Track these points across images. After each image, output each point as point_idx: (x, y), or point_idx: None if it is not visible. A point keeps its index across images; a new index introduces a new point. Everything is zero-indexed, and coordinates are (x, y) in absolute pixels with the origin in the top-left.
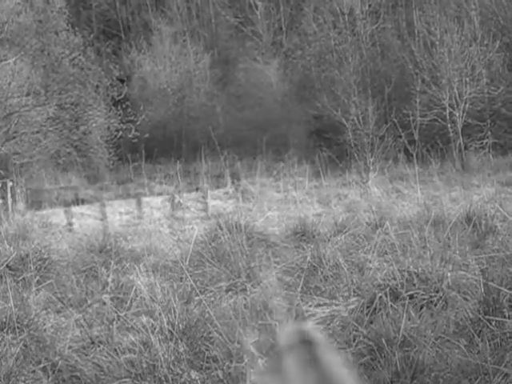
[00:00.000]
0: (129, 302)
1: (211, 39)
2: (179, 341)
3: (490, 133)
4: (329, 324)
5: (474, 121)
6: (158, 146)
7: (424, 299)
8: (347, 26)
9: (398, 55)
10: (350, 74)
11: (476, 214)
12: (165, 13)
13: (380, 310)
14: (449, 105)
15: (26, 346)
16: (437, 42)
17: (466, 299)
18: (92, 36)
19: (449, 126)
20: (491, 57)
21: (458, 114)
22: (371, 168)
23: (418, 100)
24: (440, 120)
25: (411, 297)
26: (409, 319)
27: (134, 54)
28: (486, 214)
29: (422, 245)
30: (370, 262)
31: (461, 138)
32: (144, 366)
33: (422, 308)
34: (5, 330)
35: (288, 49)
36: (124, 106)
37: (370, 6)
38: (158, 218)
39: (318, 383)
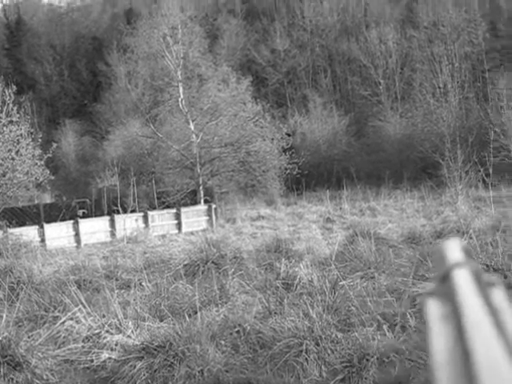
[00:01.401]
0: (295, 286)
1: (349, 106)
2: (329, 312)
3: None
4: None
5: None
6: (314, 179)
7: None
8: (442, 95)
9: (477, 115)
10: (444, 129)
11: None
12: (317, 88)
13: None
14: None
15: (225, 316)
16: (504, 106)
17: None
18: (268, 105)
19: None
20: None
21: None
22: (459, 193)
23: (491, 146)
24: (507, 159)
25: None
26: None
27: (297, 117)
28: None
29: (495, 245)
30: None
31: None
32: (305, 329)
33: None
34: (211, 305)
35: (402, 112)
36: (290, 152)
37: (457, 82)
38: (313, 228)
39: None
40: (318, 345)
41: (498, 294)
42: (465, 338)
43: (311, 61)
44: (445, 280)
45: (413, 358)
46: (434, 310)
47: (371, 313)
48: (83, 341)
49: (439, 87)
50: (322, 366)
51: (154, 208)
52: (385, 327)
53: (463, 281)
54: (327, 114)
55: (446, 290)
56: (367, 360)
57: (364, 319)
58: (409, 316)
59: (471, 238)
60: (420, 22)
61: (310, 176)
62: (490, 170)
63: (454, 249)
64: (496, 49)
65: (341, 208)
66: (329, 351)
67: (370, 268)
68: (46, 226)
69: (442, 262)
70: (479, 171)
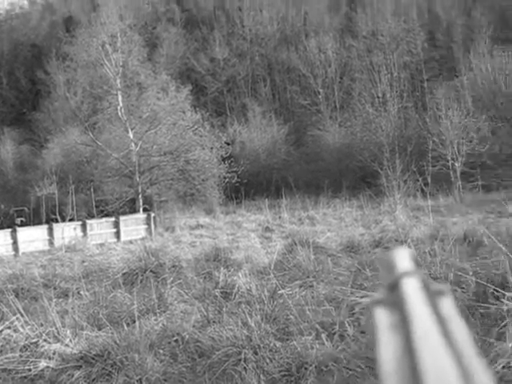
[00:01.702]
0: (233, 294)
1: (288, 115)
2: (267, 321)
3: (479, 177)
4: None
5: (468, 169)
6: (253, 188)
7: None
8: (381, 105)
9: (416, 124)
10: (383, 138)
11: (470, 233)
12: (256, 97)
13: None
14: (451, 158)
15: (164, 325)
16: (442, 116)
17: (463, 292)
18: (207, 114)
19: (451, 173)
20: (480, 125)
21: (457, 165)
22: (398, 202)
23: (429, 155)
24: (445, 169)
25: None
26: None
27: (236, 126)
28: (476, 233)
29: (433, 254)
30: None
31: (459, 181)
32: (243, 338)
33: None
34: (150, 314)
35: (341, 121)
36: (229, 161)
37: (396, 91)
38: (252, 237)
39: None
40: (256, 354)
41: (446, 303)
42: (413, 348)
43: (251, 70)
44: (393, 289)
45: (351, 366)
46: (382, 318)
47: (310, 321)
48: (21, 350)
49: (378, 96)
50: (261, 375)
51: (93, 216)
52: (323, 336)
53: (412, 290)
54: (266, 122)
55: (394, 299)
56: (305, 369)
57: (302, 328)
58: (347, 325)
59: (409, 247)
60: (359, 31)
61: (249, 185)
62: (429, 180)
63: (402, 258)
64: (434, 58)
65: (280, 217)
66: (267, 360)
67: (308, 277)
68: None
69: (391, 270)
70: (417, 180)
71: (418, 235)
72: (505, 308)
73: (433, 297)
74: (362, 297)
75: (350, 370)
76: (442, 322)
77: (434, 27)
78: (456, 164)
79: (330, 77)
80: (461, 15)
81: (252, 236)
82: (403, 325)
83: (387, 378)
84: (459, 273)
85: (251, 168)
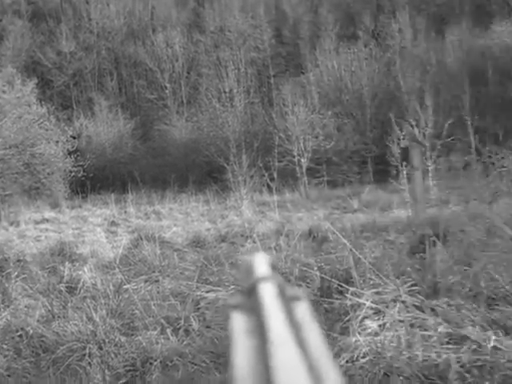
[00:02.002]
0: (78, 289)
1: (135, 109)
2: (112, 316)
3: (324, 173)
4: (215, 304)
5: (314, 165)
6: (99, 182)
7: None
8: (228, 100)
9: (262, 120)
10: (230, 133)
11: (315, 229)
12: (103, 91)
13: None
14: (297, 154)
15: (7, 319)
16: (289, 112)
17: (308, 287)
18: (53, 107)
19: (297, 168)
20: (325, 122)
21: (303, 161)
22: (244, 197)
23: (276, 151)
24: (291, 164)
25: None
26: None
27: (82, 120)
28: (321, 229)
29: (278, 249)
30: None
31: (305, 176)
32: (88, 333)
33: None
34: None
35: (188, 116)
36: (76, 155)
37: (243, 87)
38: (98, 231)
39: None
40: (101, 348)
41: (302, 308)
42: (267, 353)
43: (97, 63)
44: (250, 294)
45: (196, 361)
46: (238, 323)
47: (155, 316)
48: None
49: (225, 92)
50: (106, 370)
51: None
52: (168, 331)
53: (268, 295)
54: (113, 117)
55: (251, 304)
56: (150, 364)
57: (148, 323)
58: (192, 319)
59: (255, 242)
60: (207, 26)
61: (95, 179)
62: (275, 175)
63: (260, 263)
64: (281, 55)
65: (126, 211)
66: (112, 355)
67: (154, 272)
68: None
69: (249, 275)
70: (264, 176)
71: (264, 230)
72: (348, 303)
73: (288, 302)
74: (207, 291)
75: (195, 364)
76: (296, 327)
77: (281, 24)
78: (302, 160)
79: (177, 71)
80: (307, 12)
81: (98, 230)
82: (259, 330)
83: (240, 380)
84: (304, 268)
85: (97, 162)
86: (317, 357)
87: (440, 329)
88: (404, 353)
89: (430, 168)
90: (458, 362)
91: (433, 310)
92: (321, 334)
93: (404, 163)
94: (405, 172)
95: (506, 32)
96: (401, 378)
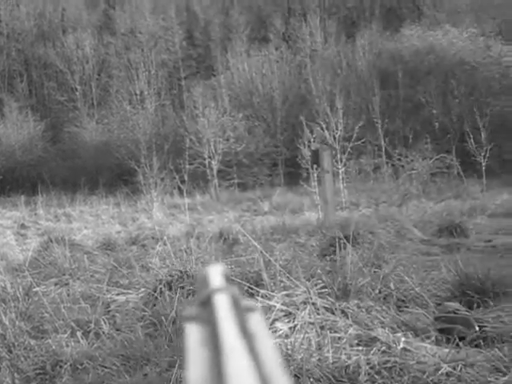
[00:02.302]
0: None
1: (45, 111)
2: (22, 319)
3: (235, 175)
4: (125, 307)
5: (224, 167)
6: (9, 184)
7: (190, 289)
8: (139, 103)
9: (173, 122)
10: (140, 135)
11: (226, 231)
12: (13, 93)
13: (160, 296)
14: (208, 157)
15: None
16: (200, 114)
17: None
18: None
19: (208, 171)
20: (236, 124)
21: (214, 163)
22: (155, 200)
23: (187, 153)
24: (202, 167)
25: (182, 288)
26: (180, 303)
27: None
28: (232, 231)
29: (189, 252)
30: (154, 264)
31: (216, 179)
32: None
33: (188, 295)
34: None
35: (98, 118)
36: None
37: (154, 89)
38: (8, 234)
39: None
40: (10, 352)
41: (255, 319)
42: (220, 364)
43: (7, 65)
44: (205, 305)
45: (106, 364)
46: (193, 334)
47: (65, 319)
48: None
49: (136, 94)
50: (15, 374)
51: None
52: (78, 334)
53: (222, 306)
54: (23, 118)
55: (205, 315)
56: (60, 367)
57: (58, 326)
58: (103, 322)
59: (165, 244)
60: (117, 28)
61: (5, 181)
62: (186, 177)
63: (215, 274)
64: (192, 57)
65: (36, 214)
66: (22, 358)
67: (64, 274)
68: None
69: (204, 286)
70: (174, 178)
71: (175, 233)
72: (259, 305)
73: (242, 313)
74: (117, 294)
75: (106, 367)
76: (249, 338)
77: (192, 26)
78: (213, 162)
79: (87, 73)
80: (219, 14)
81: (7, 233)
82: (213, 341)
83: None
84: None
85: (7, 164)
86: (269, 368)
87: (350, 331)
88: (314, 355)
89: (340, 171)
90: (368, 363)
91: (343, 312)
92: (274, 345)
93: (314, 166)
94: (315, 174)
95: (415, 36)
96: (311, 379)
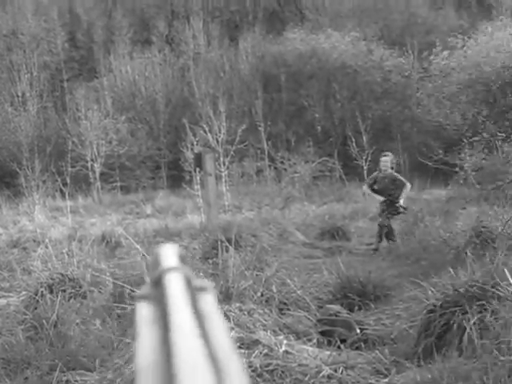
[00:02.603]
0: None
1: None
2: None
3: (118, 178)
4: (6, 310)
5: (107, 170)
6: None
7: (72, 292)
8: (21, 104)
9: (56, 124)
10: (22, 138)
11: (108, 234)
12: None
13: (42, 300)
14: (90, 159)
15: None
16: (82, 116)
17: (100, 293)
18: None
19: (90, 173)
20: (119, 127)
21: (96, 166)
22: (37, 202)
23: (69, 156)
24: (84, 169)
25: (63, 291)
26: (62, 306)
27: None
28: (115, 234)
29: (71, 255)
30: (36, 267)
31: (98, 181)
32: None
33: (70, 299)
34: None
35: None
36: None
37: (36, 91)
38: None
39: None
40: None
41: (208, 299)
42: (169, 343)
43: None
44: (157, 284)
45: None
46: (144, 313)
47: None
48: None
49: (18, 96)
50: None
51: None
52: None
53: (174, 285)
54: None
55: (157, 294)
56: None
57: None
58: None
59: (47, 247)
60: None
61: None
62: (68, 180)
63: (168, 254)
64: (75, 59)
65: None
66: None
67: None
68: None
69: (156, 266)
70: (57, 181)
71: (57, 236)
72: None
73: (194, 293)
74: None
75: None
76: (200, 317)
77: (75, 27)
78: (95, 165)
79: None
80: (101, 16)
81: None
82: (163, 320)
83: (141, 373)
84: (96, 273)
85: None
86: (219, 348)
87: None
88: None
89: (223, 174)
90: (250, 366)
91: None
92: (224, 325)
93: (197, 169)
94: (198, 177)
95: (298, 39)
96: None
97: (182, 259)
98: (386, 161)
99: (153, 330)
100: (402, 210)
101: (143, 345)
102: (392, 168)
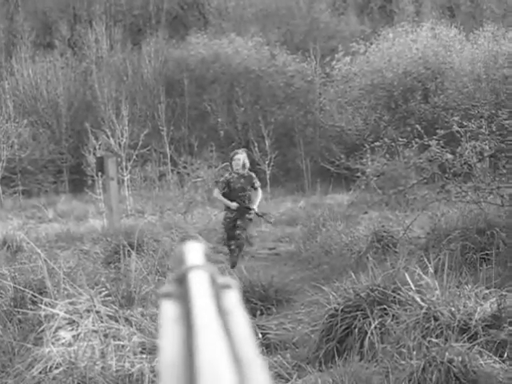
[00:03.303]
0: None
1: None
2: None
3: (19, 182)
4: None
5: (8, 174)
6: None
7: None
8: None
9: None
10: None
11: (9, 239)
12: None
13: None
14: None
15: None
16: None
17: (1, 297)
18: None
19: None
20: (20, 130)
21: None
22: None
23: None
24: None
25: None
26: None
27: None
28: (16, 239)
29: None
30: None
31: (0, 186)
32: None
33: None
34: None
35: None
36: None
37: None
38: None
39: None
40: None
41: (231, 297)
42: (192, 341)
43: None
44: (181, 281)
45: None
46: (168, 311)
47: None
48: None
49: None
50: None
51: None
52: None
53: (198, 283)
54: None
55: (181, 292)
56: None
57: None
58: None
59: None
60: None
61: None
62: None
63: (192, 250)
64: None
65: None
66: None
67: None
68: None
69: (181, 263)
70: None
71: None
72: (42, 313)
73: (219, 290)
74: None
75: None
76: (224, 315)
77: None
78: None
79: None
80: (3, 19)
81: None
82: (187, 317)
83: (164, 371)
84: None
85: None
86: (242, 347)
87: (134, 338)
88: (98, 363)
89: (125, 178)
90: (152, 371)
91: (127, 319)
92: (248, 323)
93: (99, 173)
94: (100, 182)
95: (201, 44)
96: None
97: (207, 256)
98: (239, 159)
99: (176, 329)
100: (254, 216)
101: (166, 343)
102: (246, 168)
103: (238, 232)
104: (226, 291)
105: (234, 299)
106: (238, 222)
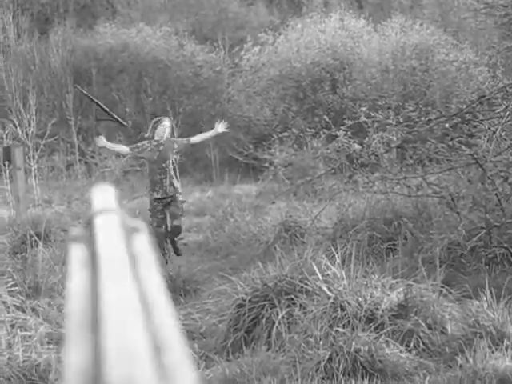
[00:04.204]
0: None
1: None
2: None
3: None
4: None
5: None
6: None
7: None
8: None
9: None
10: None
11: None
12: None
13: None
14: None
15: None
16: None
17: None
18: None
19: None
20: None
21: None
22: None
23: None
24: None
25: None
26: None
27: None
28: None
29: None
30: None
31: None
32: None
33: None
34: None
35: None
36: None
37: None
38: None
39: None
40: None
41: (141, 240)
42: (98, 282)
43: None
44: (90, 225)
45: None
46: (76, 254)
47: None
48: None
49: None
50: None
51: None
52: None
53: (107, 226)
54: None
55: (89, 235)
56: None
57: None
58: None
59: None
60: None
61: None
62: None
63: (102, 195)
64: None
65: None
66: None
67: None
68: None
69: (90, 207)
70: None
71: None
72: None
73: (128, 234)
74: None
75: None
76: (133, 259)
77: None
78: None
79: None
80: None
81: None
82: (93, 260)
83: (70, 316)
84: None
85: None
86: (149, 290)
87: (41, 329)
88: (4, 354)
89: (33, 168)
90: (59, 362)
91: (34, 310)
92: (157, 266)
93: (6, 163)
94: (7, 172)
95: (109, 33)
96: (1, 378)
97: (118, 199)
98: (167, 126)
99: (83, 272)
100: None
101: (73, 288)
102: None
103: (175, 224)
104: (136, 234)
105: (143, 242)
106: (172, 209)
